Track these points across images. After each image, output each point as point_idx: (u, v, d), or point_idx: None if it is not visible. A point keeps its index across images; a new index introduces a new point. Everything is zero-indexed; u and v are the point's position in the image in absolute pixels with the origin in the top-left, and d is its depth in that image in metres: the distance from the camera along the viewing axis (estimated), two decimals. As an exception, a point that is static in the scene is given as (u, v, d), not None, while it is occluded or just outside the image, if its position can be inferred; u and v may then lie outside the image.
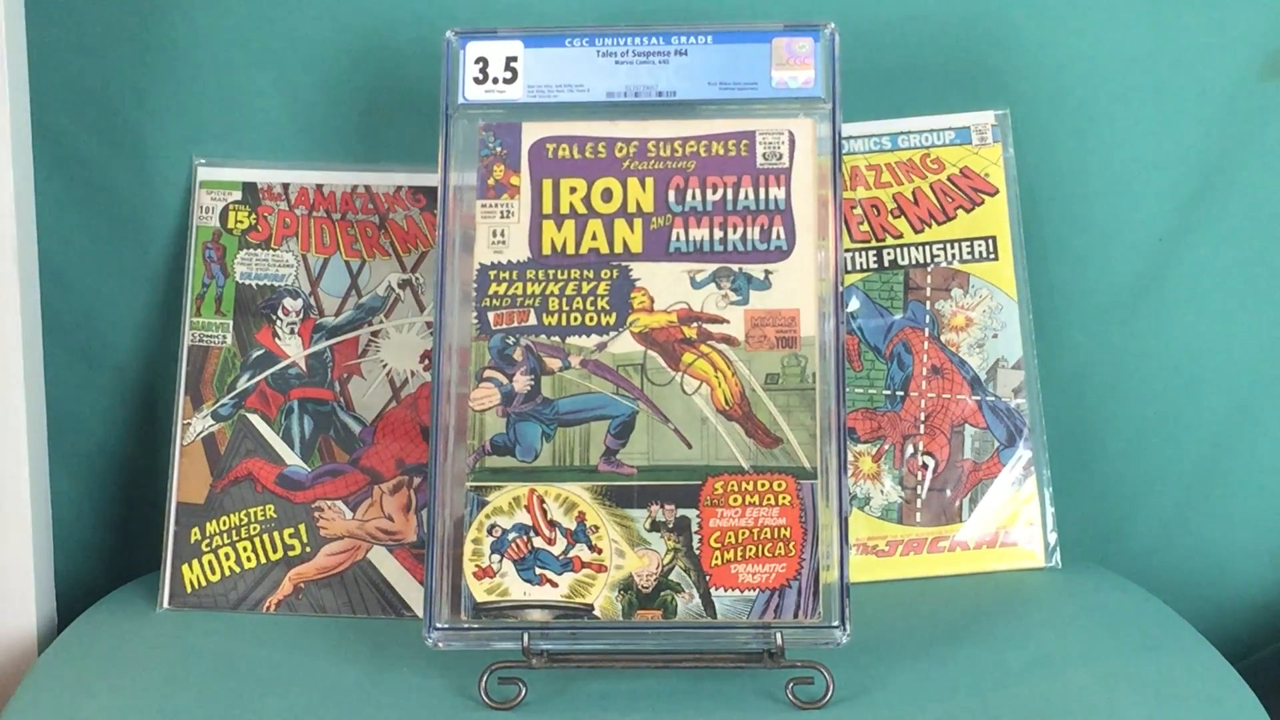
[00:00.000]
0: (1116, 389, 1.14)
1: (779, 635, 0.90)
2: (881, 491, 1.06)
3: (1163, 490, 1.16)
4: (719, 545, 0.93)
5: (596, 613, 0.92)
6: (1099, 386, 1.14)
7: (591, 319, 0.96)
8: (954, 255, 1.08)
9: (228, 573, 1.03)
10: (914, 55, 1.10)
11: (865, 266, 1.08)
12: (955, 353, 1.07)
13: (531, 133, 0.98)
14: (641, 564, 0.93)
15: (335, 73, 1.10)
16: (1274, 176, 1.12)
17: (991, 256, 1.07)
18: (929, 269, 1.08)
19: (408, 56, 1.09)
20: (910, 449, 1.06)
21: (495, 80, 0.98)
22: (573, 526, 0.94)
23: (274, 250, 1.08)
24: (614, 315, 0.96)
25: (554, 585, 0.93)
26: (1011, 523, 1.06)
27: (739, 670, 0.91)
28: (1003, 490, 1.06)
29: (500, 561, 0.93)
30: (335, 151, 1.11)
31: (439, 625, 0.92)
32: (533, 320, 0.96)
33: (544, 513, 0.94)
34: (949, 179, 1.08)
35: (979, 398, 1.07)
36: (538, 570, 0.93)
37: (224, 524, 1.04)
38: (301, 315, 1.06)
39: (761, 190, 0.97)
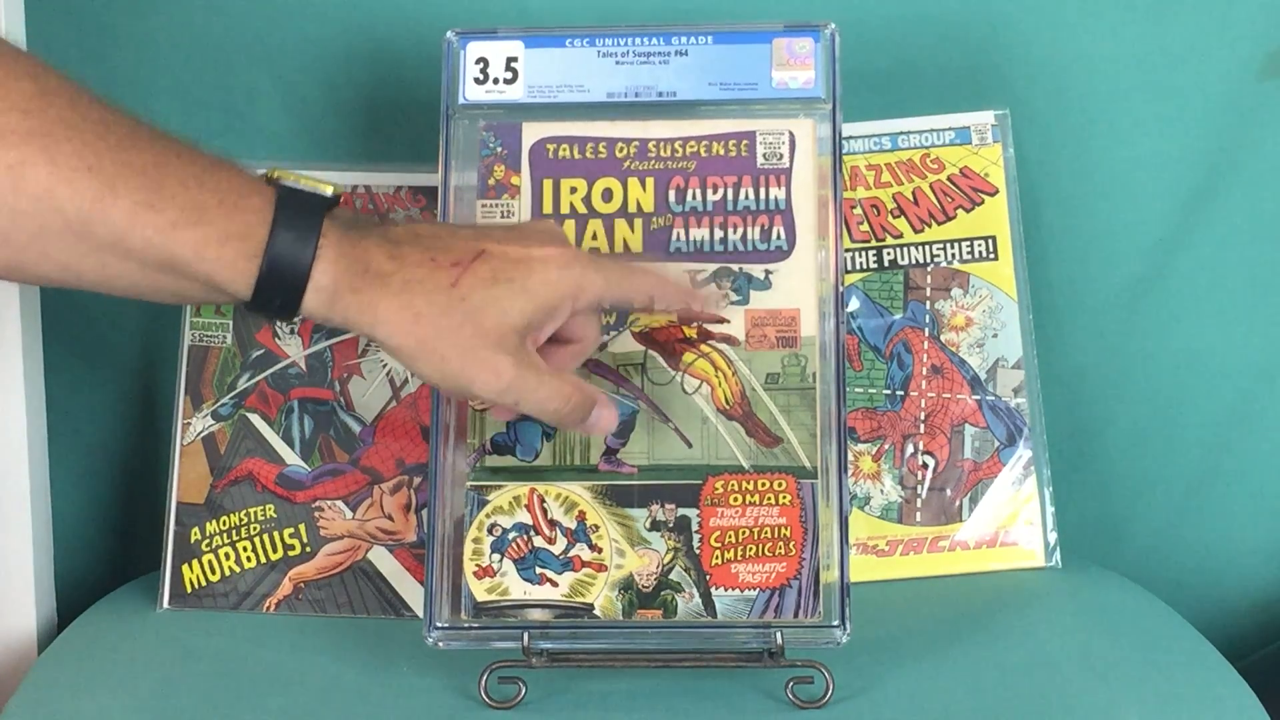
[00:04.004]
0: (1116, 389, 1.14)
1: (779, 635, 0.90)
2: (881, 491, 1.06)
3: (1163, 490, 1.16)
4: (719, 545, 0.93)
5: (597, 612, 0.92)
6: (1099, 386, 1.14)
7: (592, 319, 0.96)
8: (954, 255, 1.08)
9: (228, 573, 1.03)
10: (914, 55, 1.10)
11: (865, 266, 1.08)
12: (955, 352, 1.07)
13: (532, 133, 0.98)
14: (642, 563, 0.93)
15: (335, 73, 1.10)
16: (1274, 176, 1.12)
17: (991, 256, 1.07)
18: (929, 269, 1.08)
19: (408, 56, 1.09)
20: (910, 449, 1.06)
21: (495, 80, 0.98)
22: (573, 526, 0.94)
23: (274, 250, 1.08)
24: (614, 315, 0.96)
25: (554, 585, 0.93)
26: (1011, 522, 1.06)
27: (739, 670, 0.91)
28: (1003, 490, 1.06)
29: (500, 561, 0.93)
30: (335, 151, 1.11)
31: (439, 625, 0.92)
32: (533, 320, 0.96)
33: (544, 512, 0.94)
34: (949, 179, 1.08)
35: (979, 397, 1.07)
36: (538, 570, 0.93)
37: (224, 524, 1.04)
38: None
39: (762, 190, 0.97)
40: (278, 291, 0.78)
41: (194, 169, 0.78)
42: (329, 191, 0.81)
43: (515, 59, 0.98)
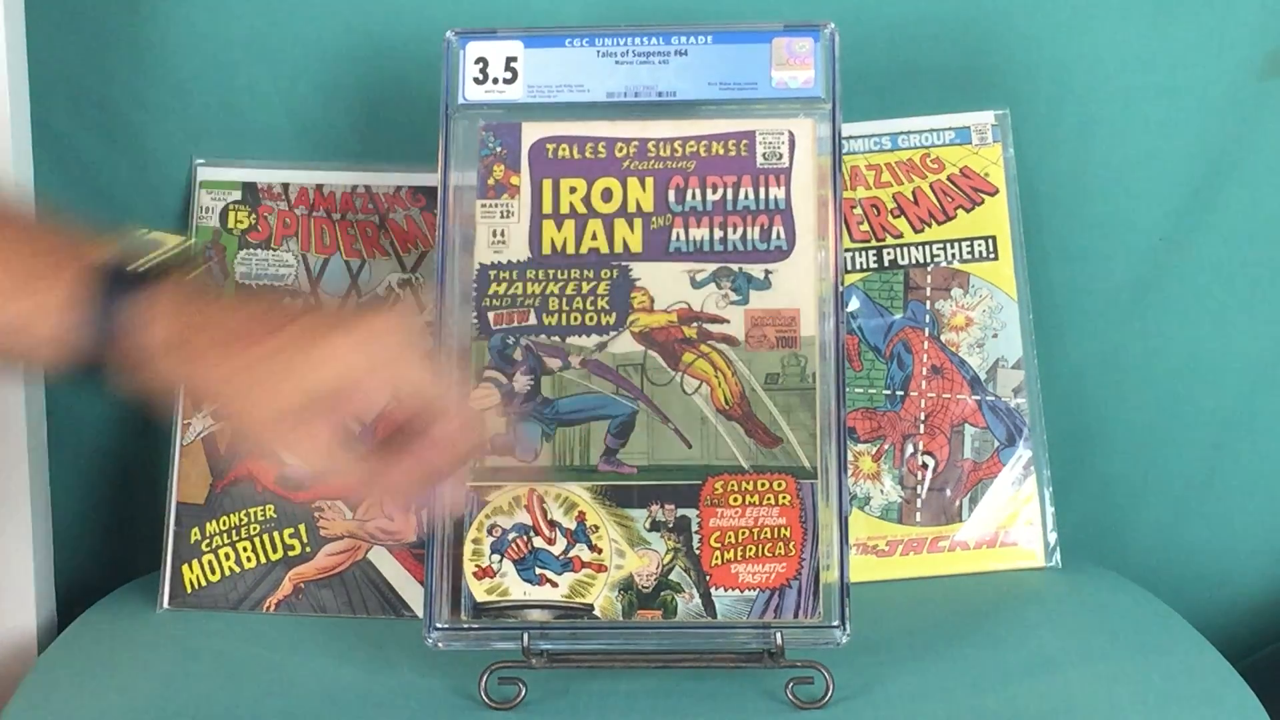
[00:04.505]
0: (1116, 389, 1.14)
1: (779, 635, 0.90)
2: (881, 491, 1.06)
3: (1163, 490, 1.16)
4: (719, 545, 0.93)
5: (596, 613, 0.92)
6: (1099, 386, 1.14)
7: (591, 319, 0.96)
8: (954, 255, 1.08)
9: (228, 573, 1.03)
10: (914, 55, 1.10)
11: (865, 266, 1.08)
12: (955, 352, 1.07)
13: (531, 133, 0.98)
14: (641, 564, 0.93)
15: (335, 73, 1.10)
16: (1274, 176, 1.12)
17: (991, 256, 1.07)
18: (929, 269, 1.08)
19: (408, 56, 1.09)
20: (910, 449, 1.06)
21: (495, 80, 0.98)
22: (573, 526, 0.94)
23: (274, 250, 1.08)
24: (614, 315, 0.96)
25: (554, 585, 0.93)
26: (1011, 522, 1.06)
27: (739, 670, 0.91)
28: (1003, 490, 1.06)
29: (500, 561, 0.93)
30: (335, 151, 1.11)
31: (439, 625, 0.92)
32: (533, 320, 0.96)
33: (544, 512, 0.94)
34: (949, 179, 1.08)
35: (979, 397, 1.07)
36: (538, 570, 0.93)
37: (224, 524, 1.04)
38: (301, 315, 1.06)
39: (761, 190, 0.97)
40: (100, 356, 0.78)
41: (23, 237, 0.79)
42: (158, 256, 0.81)
43: (515, 59, 0.98)
